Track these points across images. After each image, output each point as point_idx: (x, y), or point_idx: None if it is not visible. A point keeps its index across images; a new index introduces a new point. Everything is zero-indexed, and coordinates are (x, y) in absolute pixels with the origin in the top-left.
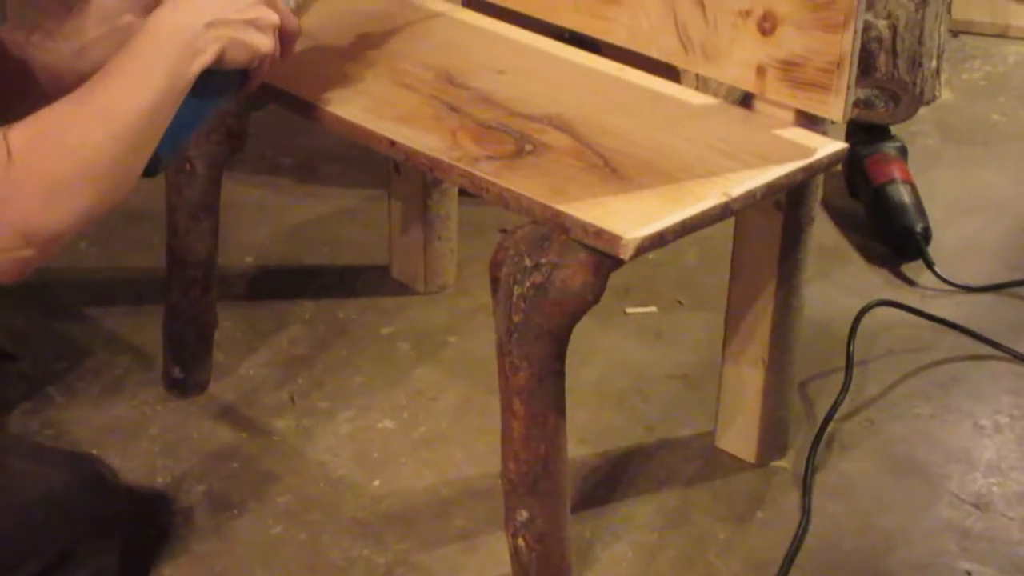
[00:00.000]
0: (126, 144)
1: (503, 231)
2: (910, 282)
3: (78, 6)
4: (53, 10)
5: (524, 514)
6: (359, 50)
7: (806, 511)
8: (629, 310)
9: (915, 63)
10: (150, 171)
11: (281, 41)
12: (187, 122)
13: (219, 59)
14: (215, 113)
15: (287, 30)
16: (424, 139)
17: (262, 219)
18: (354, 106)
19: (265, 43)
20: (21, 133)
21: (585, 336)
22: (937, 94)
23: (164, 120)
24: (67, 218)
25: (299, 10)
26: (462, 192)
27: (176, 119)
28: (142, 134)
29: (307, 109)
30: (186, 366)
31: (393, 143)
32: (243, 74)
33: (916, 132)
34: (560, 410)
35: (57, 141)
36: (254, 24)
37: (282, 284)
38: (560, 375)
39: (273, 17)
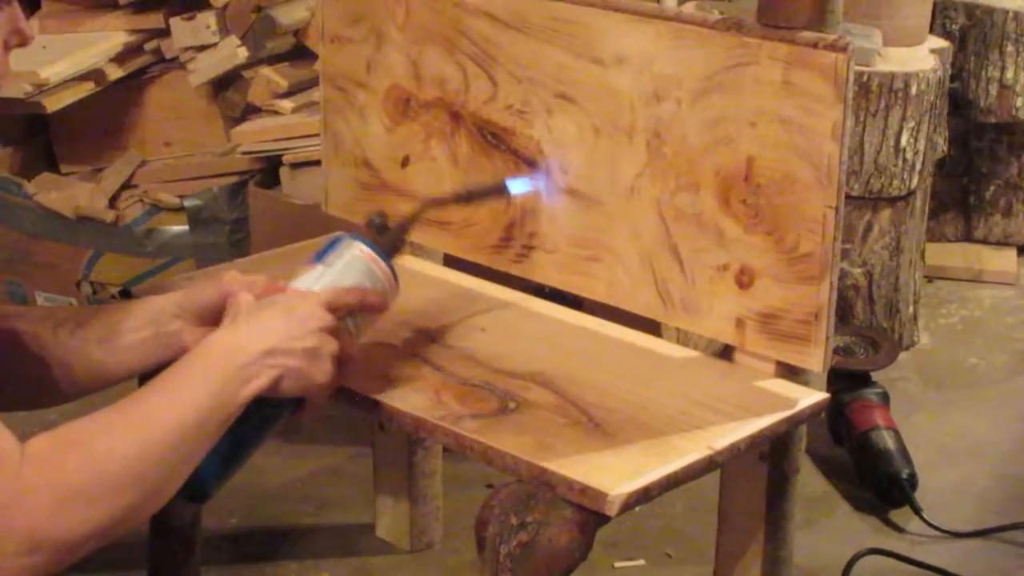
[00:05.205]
0: (156, 459)
1: (489, 486)
2: (899, 529)
3: (128, 303)
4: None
5: None
6: None
7: None
8: (617, 564)
9: (892, 309)
10: (198, 496)
11: (338, 365)
12: (236, 449)
13: (273, 387)
14: (265, 440)
15: (345, 354)
16: (407, 398)
17: (247, 479)
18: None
19: (322, 373)
20: (47, 437)
21: None
22: (915, 339)
23: (204, 442)
24: (80, 528)
25: (358, 333)
26: (447, 447)
27: (224, 444)
28: (177, 452)
29: None
30: None
31: (377, 403)
32: (296, 401)
33: (896, 378)
34: None
35: (82, 449)
36: (313, 354)
37: (267, 545)
38: None
39: (332, 346)
